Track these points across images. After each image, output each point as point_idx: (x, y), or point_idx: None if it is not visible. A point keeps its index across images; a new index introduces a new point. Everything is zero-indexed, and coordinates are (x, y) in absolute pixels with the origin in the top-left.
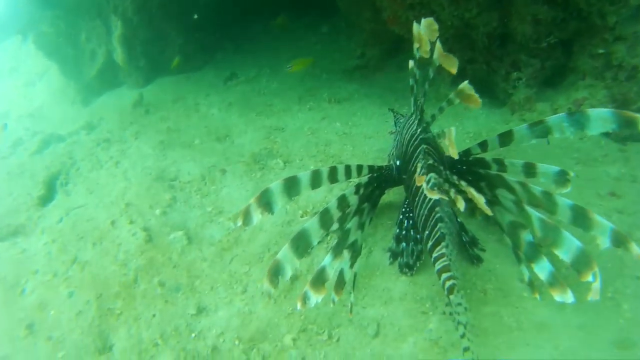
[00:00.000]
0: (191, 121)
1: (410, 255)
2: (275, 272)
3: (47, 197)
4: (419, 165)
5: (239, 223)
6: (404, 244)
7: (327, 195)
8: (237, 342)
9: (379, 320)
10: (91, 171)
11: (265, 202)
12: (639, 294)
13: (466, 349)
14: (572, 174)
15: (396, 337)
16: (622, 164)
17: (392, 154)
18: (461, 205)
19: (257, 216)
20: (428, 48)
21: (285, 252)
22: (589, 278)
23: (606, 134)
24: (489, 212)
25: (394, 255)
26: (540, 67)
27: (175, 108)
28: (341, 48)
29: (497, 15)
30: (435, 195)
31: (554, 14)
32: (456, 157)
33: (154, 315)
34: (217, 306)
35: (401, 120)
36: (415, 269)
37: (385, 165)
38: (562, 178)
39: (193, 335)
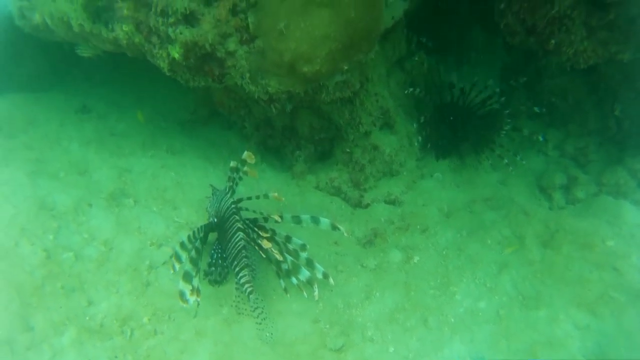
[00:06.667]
0: (55, 153)
1: (219, 275)
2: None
3: None
4: (236, 227)
5: (172, 271)
6: (213, 268)
7: (165, 231)
8: (115, 321)
9: (197, 309)
10: None
11: (178, 257)
12: (329, 298)
13: (264, 318)
14: (307, 246)
15: (206, 317)
16: (349, 223)
17: (212, 213)
18: (267, 245)
19: (177, 265)
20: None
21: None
22: (314, 288)
23: (346, 200)
24: (269, 245)
25: (206, 274)
26: (314, 151)
27: (37, 137)
28: (178, 99)
29: (288, 117)
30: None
31: (322, 123)
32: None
33: (60, 307)
34: (100, 300)
35: (217, 193)
36: (221, 283)
37: (209, 222)
38: (303, 245)
39: (87, 317)
